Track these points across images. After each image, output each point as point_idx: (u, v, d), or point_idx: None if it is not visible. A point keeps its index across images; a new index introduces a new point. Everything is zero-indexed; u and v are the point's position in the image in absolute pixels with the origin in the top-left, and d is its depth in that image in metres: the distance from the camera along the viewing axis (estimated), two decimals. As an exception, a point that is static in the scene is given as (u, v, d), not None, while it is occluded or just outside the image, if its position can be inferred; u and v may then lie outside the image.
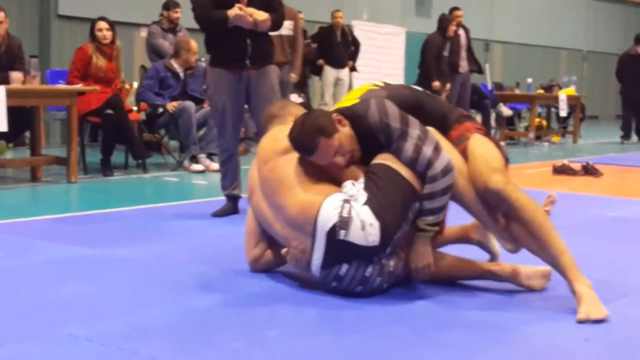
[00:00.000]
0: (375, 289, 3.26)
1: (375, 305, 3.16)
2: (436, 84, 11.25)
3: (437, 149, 3.22)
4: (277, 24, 5.21)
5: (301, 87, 11.94)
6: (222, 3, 5.04)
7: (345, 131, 3.35)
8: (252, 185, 3.60)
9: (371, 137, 3.32)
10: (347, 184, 3.29)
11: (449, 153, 3.29)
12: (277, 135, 3.59)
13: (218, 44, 5.17)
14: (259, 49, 5.16)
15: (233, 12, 4.99)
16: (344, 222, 3.15)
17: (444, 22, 11.54)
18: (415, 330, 2.90)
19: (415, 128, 3.25)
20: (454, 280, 3.51)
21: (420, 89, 3.69)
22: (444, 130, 3.47)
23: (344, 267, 3.20)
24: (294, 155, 3.43)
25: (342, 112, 3.43)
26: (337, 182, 3.37)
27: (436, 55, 11.33)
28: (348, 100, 3.52)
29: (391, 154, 3.28)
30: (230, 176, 5.38)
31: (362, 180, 3.29)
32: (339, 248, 3.17)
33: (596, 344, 2.77)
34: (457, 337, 2.84)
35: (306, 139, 3.31)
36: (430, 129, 3.35)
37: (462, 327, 2.95)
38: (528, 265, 3.47)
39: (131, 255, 4.04)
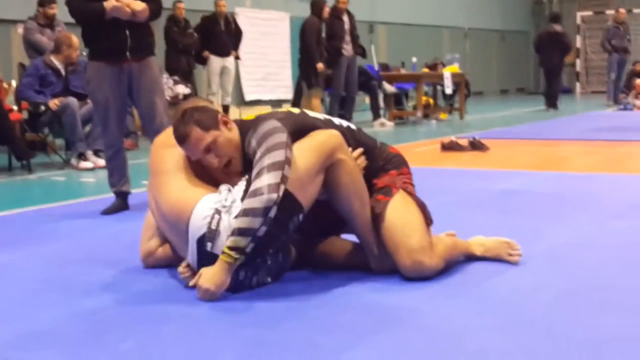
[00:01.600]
0: (257, 284, 3.21)
1: (265, 297, 3.11)
2: (320, 65, 11.38)
3: (276, 184, 2.97)
4: (155, 14, 5.12)
5: (187, 77, 11.82)
6: None
7: (227, 134, 3.27)
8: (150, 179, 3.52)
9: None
10: (223, 189, 3.20)
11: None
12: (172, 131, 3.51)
13: (96, 37, 5.05)
14: (138, 40, 5.08)
15: (110, 3, 4.91)
16: (211, 235, 3.08)
17: (317, 5, 11.64)
18: (307, 318, 2.87)
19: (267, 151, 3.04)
20: (347, 265, 3.51)
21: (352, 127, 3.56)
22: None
23: None
24: (180, 151, 3.36)
25: (237, 120, 3.37)
26: (217, 183, 3.29)
27: (316, 39, 11.42)
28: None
29: None
30: (118, 172, 5.27)
31: (240, 187, 3.18)
32: (209, 257, 3.10)
33: (489, 317, 2.81)
34: (350, 319, 2.83)
35: (181, 126, 3.25)
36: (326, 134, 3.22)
37: (354, 310, 2.95)
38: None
39: (16, 261, 3.90)
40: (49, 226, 4.86)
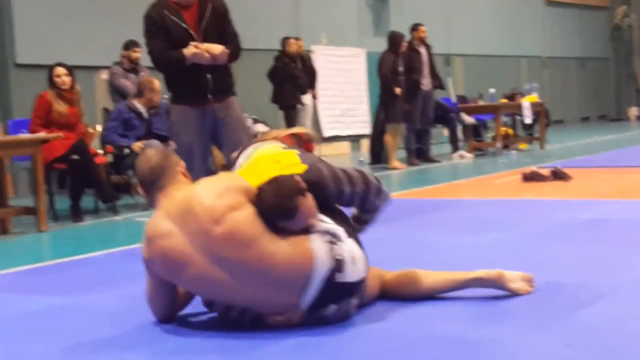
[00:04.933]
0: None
1: (350, 328, 3.12)
2: (397, 90, 11.26)
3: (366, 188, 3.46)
4: (235, 55, 5.23)
5: (294, 113, 12.16)
6: (178, 42, 5.07)
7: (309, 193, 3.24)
8: (183, 254, 3.19)
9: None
10: (318, 223, 3.17)
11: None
12: (213, 191, 3.25)
13: (178, 81, 5.20)
14: (219, 82, 5.19)
15: (189, 51, 5.03)
16: (339, 265, 3.07)
17: (395, 39, 11.59)
18: (396, 352, 2.87)
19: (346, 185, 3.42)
20: (435, 295, 3.50)
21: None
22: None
23: (332, 308, 3.13)
24: (249, 208, 3.15)
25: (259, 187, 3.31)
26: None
27: (391, 71, 11.37)
28: (251, 170, 3.38)
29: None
30: (200, 211, 5.34)
31: (325, 219, 3.22)
32: (333, 291, 3.09)
33: (578, 349, 2.76)
34: (439, 354, 2.82)
35: (284, 202, 3.08)
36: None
37: (442, 344, 2.92)
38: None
39: (105, 301, 3.98)
40: (135, 266, 4.90)
